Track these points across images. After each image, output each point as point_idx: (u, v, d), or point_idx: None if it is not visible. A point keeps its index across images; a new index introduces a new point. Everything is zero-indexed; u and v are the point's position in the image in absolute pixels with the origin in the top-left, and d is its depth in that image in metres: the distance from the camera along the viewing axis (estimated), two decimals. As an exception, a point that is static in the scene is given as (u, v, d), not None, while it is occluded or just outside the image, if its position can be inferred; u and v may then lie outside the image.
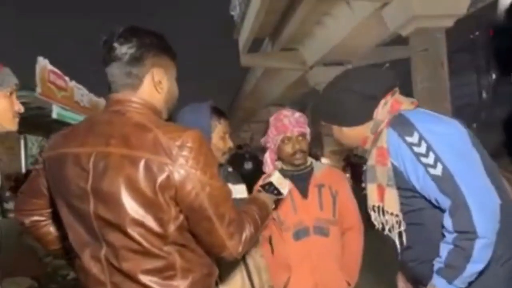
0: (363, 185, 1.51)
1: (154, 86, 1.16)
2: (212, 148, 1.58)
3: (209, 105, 1.62)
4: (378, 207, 1.41)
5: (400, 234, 1.38)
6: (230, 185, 1.65)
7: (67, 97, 12.73)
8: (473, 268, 1.21)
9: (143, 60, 1.14)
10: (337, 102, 1.45)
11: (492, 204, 1.21)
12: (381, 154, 1.35)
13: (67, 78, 12.85)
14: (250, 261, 1.60)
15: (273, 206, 1.49)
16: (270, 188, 1.52)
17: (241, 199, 1.62)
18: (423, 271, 1.33)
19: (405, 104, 1.42)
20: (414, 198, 1.33)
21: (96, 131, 1.12)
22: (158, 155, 1.05)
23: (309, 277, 1.85)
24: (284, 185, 1.54)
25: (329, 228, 1.87)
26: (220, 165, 1.66)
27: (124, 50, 1.12)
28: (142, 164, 1.05)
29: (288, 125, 1.89)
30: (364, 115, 1.42)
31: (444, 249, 1.25)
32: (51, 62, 11.69)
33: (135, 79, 1.14)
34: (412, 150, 1.28)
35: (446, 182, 1.22)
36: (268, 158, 1.95)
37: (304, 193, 1.91)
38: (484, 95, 15.45)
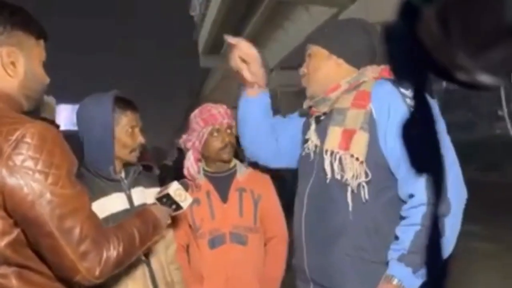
0: (307, 136, 1.38)
1: (4, 68, 0.95)
2: (116, 143, 1.39)
3: (112, 95, 1.41)
4: (336, 154, 1.23)
5: (358, 188, 1.20)
6: (141, 189, 1.48)
7: None
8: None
9: None
10: (352, 36, 1.35)
11: (464, 193, 1.16)
12: (362, 97, 1.22)
13: None
14: (159, 275, 1.41)
15: (169, 221, 1.31)
16: (168, 201, 1.35)
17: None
18: (359, 267, 1.20)
19: None
20: (378, 172, 1.19)
21: None
22: None
23: None
24: (184, 198, 1.37)
25: (247, 236, 1.71)
26: (130, 164, 1.47)
27: None
28: None
29: (217, 115, 1.71)
30: (368, 58, 1.34)
31: (409, 232, 1.10)
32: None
33: None
34: (405, 102, 1.16)
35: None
36: (191, 157, 1.74)
37: (223, 198, 1.74)
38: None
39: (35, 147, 0.87)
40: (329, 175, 1.26)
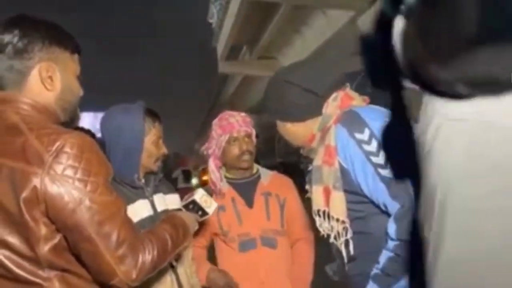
0: (307, 187, 1.38)
1: (42, 82, 1.00)
2: (143, 153, 1.44)
3: (141, 105, 1.47)
4: (324, 211, 1.27)
5: (346, 243, 1.25)
6: (161, 195, 1.52)
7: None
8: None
9: (28, 52, 0.98)
10: (279, 95, 1.33)
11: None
12: (328, 153, 1.23)
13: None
14: (184, 280, 1.44)
15: (196, 226, 1.34)
16: (194, 207, 1.39)
17: (174, 210, 1.46)
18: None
19: (356, 100, 1.31)
20: (362, 204, 1.21)
21: None
22: (25, 163, 0.89)
23: None
24: (209, 204, 1.41)
25: (276, 239, 1.73)
26: (152, 173, 1.51)
27: (5, 41, 0.96)
28: (5, 174, 0.89)
29: (235, 124, 1.73)
30: (306, 111, 1.31)
31: (384, 256, 1.15)
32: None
33: (18, 75, 0.98)
34: (361, 148, 1.16)
35: (396, 184, 1.11)
36: (212, 164, 1.77)
37: (249, 202, 1.76)
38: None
39: (74, 157, 0.91)
40: (322, 233, 1.31)
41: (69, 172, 0.90)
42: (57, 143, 0.90)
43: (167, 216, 1.27)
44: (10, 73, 0.98)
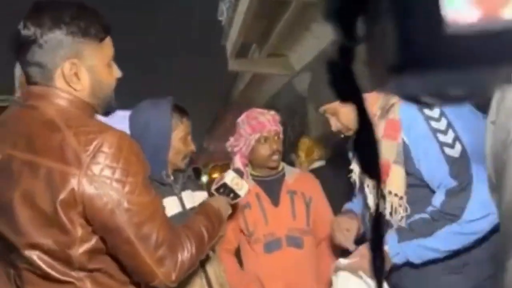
0: (351, 167, 1.36)
1: (68, 83, 0.94)
2: (171, 149, 1.42)
3: (170, 101, 1.44)
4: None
5: (402, 220, 1.22)
6: (190, 192, 1.50)
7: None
8: (431, 243, 1.12)
9: (52, 49, 0.91)
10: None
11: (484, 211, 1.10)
12: (392, 127, 1.21)
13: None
14: (213, 277, 1.43)
15: (229, 210, 1.32)
16: (225, 190, 1.37)
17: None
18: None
19: None
20: (417, 188, 1.20)
21: (7, 129, 0.94)
22: (63, 163, 0.86)
23: None
24: (241, 186, 1.39)
25: (303, 238, 1.70)
26: (180, 170, 1.50)
27: (30, 38, 0.90)
28: (42, 174, 0.86)
29: (266, 123, 1.70)
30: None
31: (417, 216, 1.16)
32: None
33: (46, 72, 0.93)
34: (429, 124, 1.15)
35: (461, 165, 1.11)
36: (239, 162, 1.74)
37: (275, 201, 1.74)
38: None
39: (112, 156, 0.88)
40: (372, 211, 1.29)
41: (107, 172, 0.87)
42: (95, 142, 0.88)
43: (201, 205, 1.25)
44: (37, 70, 0.93)
